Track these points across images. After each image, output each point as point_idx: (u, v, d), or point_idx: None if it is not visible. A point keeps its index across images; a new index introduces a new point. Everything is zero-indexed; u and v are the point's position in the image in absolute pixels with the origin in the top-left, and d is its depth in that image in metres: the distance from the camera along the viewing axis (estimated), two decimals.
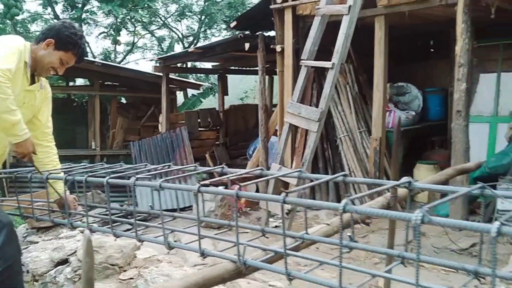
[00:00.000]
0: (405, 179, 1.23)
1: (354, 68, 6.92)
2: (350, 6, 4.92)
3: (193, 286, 1.12)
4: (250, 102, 15.84)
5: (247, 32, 7.39)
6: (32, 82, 2.57)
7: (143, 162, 3.16)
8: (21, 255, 2.61)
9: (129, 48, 18.50)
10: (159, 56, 10.57)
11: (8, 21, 14.63)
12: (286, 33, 6.44)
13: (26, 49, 2.44)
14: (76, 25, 2.67)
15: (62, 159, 2.94)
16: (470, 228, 0.61)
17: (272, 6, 6.46)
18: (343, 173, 1.47)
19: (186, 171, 2.22)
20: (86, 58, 2.96)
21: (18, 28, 14.93)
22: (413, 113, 7.11)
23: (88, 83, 12.59)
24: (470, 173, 4.93)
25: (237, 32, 7.60)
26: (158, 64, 9.95)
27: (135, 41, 18.52)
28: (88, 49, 15.63)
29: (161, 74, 9.71)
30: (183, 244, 1.72)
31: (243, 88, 19.51)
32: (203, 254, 1.42)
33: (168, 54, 11.59)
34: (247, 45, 7.07)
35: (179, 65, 10.58)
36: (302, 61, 5.40)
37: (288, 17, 6.39)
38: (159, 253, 2.76)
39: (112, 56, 17.46)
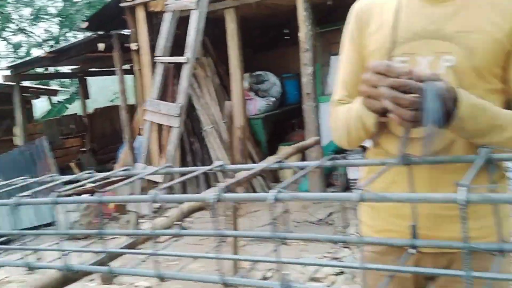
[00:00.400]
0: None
1: (214, 61, 7.05)
2: (198, 1, 5.01)
3: None
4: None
5: (101, 32, 7.13)
6: None
7: None
8: None
9: None
10: (9, 64, 9.78)
11: None
12: (140, 31, 6.36)
13: None
14: None
15: None
16: (322, 199, 0.67)
17: (122, 4, 6.31)
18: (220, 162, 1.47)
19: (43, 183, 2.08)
20: None
21: None
22: (273, 99, 7.45)
23: None
24: (325, 148, 5.34)
25: (89, 34, 7.31)
26: (9, 73, 9.19)
27: None
28: None
29: (13, 83, 9.00)
30: (44, 263, 1.64)
31: (113, 89, 18.79)
32: (31, 268, 1.38)
33: (19, 61, 10.77)
34: (101, 46, 6.84)
35: (38, 70, 9.89)
36: (156, 58, 5.39)
37: (140, 14, 6.31)
38: (14, 274, 2.62)
39: None
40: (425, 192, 0.94)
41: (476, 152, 0.75)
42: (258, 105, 7.20)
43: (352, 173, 4.71)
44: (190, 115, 6.98)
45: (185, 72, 5.10)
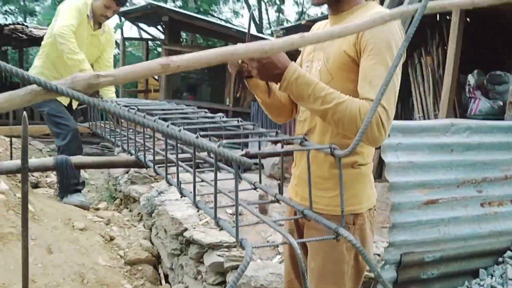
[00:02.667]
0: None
1: (444, 52, 7.03)
2: None
3: None
4: None
5: None
6: (96, 29, 3.77)
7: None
8: (81, 152, 3.88)
9: None
10: None
11: None
12: None
13: (87, 5, 3.63)
14: None
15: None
16: None
17: None
18: None
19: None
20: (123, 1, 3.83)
21: None
22: (501, 103, 6.99)
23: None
24: None
25: None
26: None
27: None
28: None
29: None
30: None
31: None
32: None
33: None
34: None
35: None
36: None
37: None
38: None
39: None
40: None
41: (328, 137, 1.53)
42: (480, 105, 6.90)
43: None
44: (405, 101, 7.26)
45: None
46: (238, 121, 2.17)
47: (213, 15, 21.32)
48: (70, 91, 1.07)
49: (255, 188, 1.92)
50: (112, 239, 3.44)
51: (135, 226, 3.85)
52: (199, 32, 11.94)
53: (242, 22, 23.00)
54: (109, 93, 3.85)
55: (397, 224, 2.58)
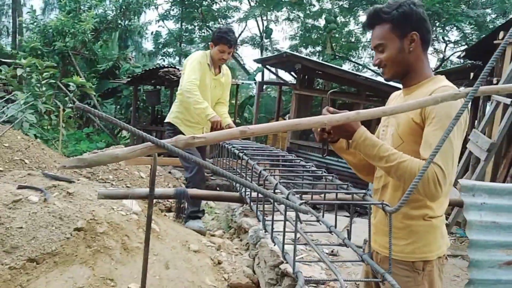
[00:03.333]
0: None
1: None
2: None
3: None
4: None
5: (476, 62, 7.75)
6: (217, 73, 4.39)
7: None
8: (204, 183, 4.48)
9: None
10: None
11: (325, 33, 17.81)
12: (504, 67, 6.71)
13: (207, 56, 4.28)
14: (224, 26, 4.46)
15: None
16: None
17: (496, 41, 6.82)
18: None
19: None
20: (236, 44, 4.47)
21: None
22: None
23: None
24: None
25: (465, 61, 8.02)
26: None
27: None
28: None
29: None
30: None
31: None
32: None
33: None
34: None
35: None
36: (493, 96, 5.82)
37: (509, 53, 6.66)
38: None
39: None
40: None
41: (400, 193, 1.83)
42: None
43: None
44: None
45: (508, 114, 5.39)
46: (321, 172, 2.56)
47: (350, 60, 21.80)
48: (173, 148, 1.57)
49: (330, 232, 2.27)
50: (219, 263, 3.93)
51: (242, 254, 4.31)
52: (329, 79, 12.43)
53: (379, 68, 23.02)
54: (226, 120, 4.40)
55: (475, 280, 2.67)
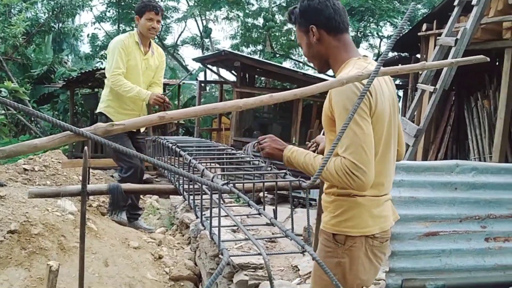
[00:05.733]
0: None
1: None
2: (456, 40, 5.52)
3: None
4: None
5: (403, 54, 8.14)
6: (147, 52, 4.15)
7: None
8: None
9: None
10: None
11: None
12: (428, 58, 7.11)
13: (133, 35, 4.07)
14: None
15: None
16: None
17: (420, 33, 7.21)
18: None
19: None
20: (162, 10, 4.21)
21: None
22: None
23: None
24: None
25: (392, 54, 8.41)
26: None
27: None
28: None
29: None
30: None
31: None
32: None
33: None
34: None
35: None
36: (418, 85, 6.15)
37: (431, 44, 7.06)
38: None
39: None
40: None
41: None
42: None
43: None
44: (461, 142, 7.31)
45: (431, 101, 5.72)
46: (257, 160, 2.66)
47: (291, 58, 22.17)
48: (93, 136, 1.61)
49: (259, 214, 2.37)
50: (160, 257, 3.96)
51: (183, 248, 4.36)
52: (269, 76, 12.65)
53: None
54: (157, 89, 4.29)
55: (397, 252, 2.86)
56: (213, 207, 2.13)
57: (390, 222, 2.05)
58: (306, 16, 1.94)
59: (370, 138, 1.77)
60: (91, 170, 6.59)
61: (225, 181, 1.90)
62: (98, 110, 4.21)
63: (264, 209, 2.28)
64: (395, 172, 2.49)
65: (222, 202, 1.99)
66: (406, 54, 8.06)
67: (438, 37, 6.19)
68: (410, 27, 7.85)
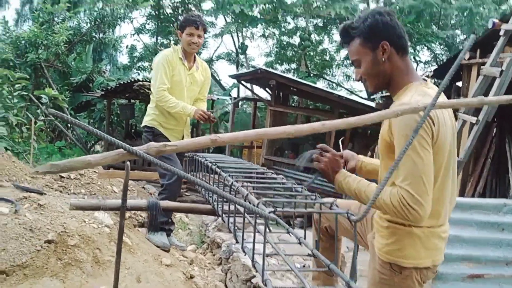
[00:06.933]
0: None
1: None
2: (501, 71, 5.39)
3: None
4: None
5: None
6: (191, 67, 4.11)
7: None
8: (179, 194, 4.38)
9: None
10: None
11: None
12: (470, 87, 6.96)
13: (177, 50, 4.04)
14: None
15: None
16: None
17: (462, 62, 7.08)
18: None
19: None
20: (204, 26, 4.10)
21: None
22: None
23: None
24: None
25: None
26: None
27: None
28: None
29: None
30: None
31: None
32: None
33: None
34: None
35: None
36: (460, 114, 6.02)
37: (474, 73, 6.91)
38: None
39: None
40: None
41: None
42: None
43: None
44: (501, 176, 7.09)
45: (473, 132, 5.58)
46: (291, 183, 2.62)
47: (324, 78, 22.14)
48: (145, 155, 1.61)
49: (299, 243, 2.33)
50: (192, 277, 3.93)
51: (214, 269, 4.32)
52: (304, 96, 12.62)
53: (352, 85, 23.48)
54: (202, 105, 4.28)
55: None
56: (244, 229, 2.10)
57: (442, 257, 1.97)
58: (377, 31, 1.86)
59: (429, 169, 1.71)
60: (122, 181, 6.67)
61: (272, 209, 1.86)
62: (143, 124, 4.22)
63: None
64: None
65: (268, 230, 1.94)
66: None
67: (481, 67, 6.08)
68: (451, 56, 7.71)
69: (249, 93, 16.59)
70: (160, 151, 1.65)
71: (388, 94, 2.08)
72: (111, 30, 15.42)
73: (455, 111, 7.69)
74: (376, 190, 1.68)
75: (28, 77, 11.17)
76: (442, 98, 1.92)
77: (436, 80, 8.14)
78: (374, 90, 2.00)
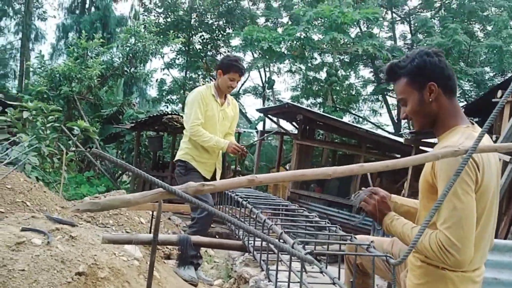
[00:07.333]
0: None
1: None
2: None
3: None
4: None
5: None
6: (223, 103, 4.22)
7: None
8: (209, 227, 4.33)
9: None
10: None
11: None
12: (502, 125, 6.84)
13: (210, 87, 4.16)
14: (233, 54, 4.22)
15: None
16: None
17: (494, 100, 6.99)
18: None
19: None
20: (245, 71, 4.30)
21: None
22: None
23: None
24: None
25: None
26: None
27: None
28: None
29: None
30: None
31: None
32: None
33: None
34: None
35: None
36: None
37: (507, 111, 6.80)
38: None
39: None
40: None
41: None
42: None
43: None
44: None
45: (507, 171, 5.46)
46: (325, 222, 2.60)
47: (351, 112, 22.12)
48: (184, 195, 1.62)
49: (333, 283, 2.28)
50: None
51: None
52: (330, 130, 12.61)
53: (379, 120, 23.38)
54: (231, 139, 4.33)
55: None
56: (277, 268, 2.07)
57: None
58: (425, 72, 1.87)
59: (470, 214, 1.69)
60: (150, 212, 6.71)
61: (308, 251, 1.84)
62: (176, 158, 4.28)
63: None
64: None
65: (304, 271, 1.92)
66: (478, 119, 7.82)
67: None
68: (483, 93, 7.64)
69: (275, 127, 16.67)
70: (198, 191, 1.66)
71: (416, 130, 2.08)
72: (142, 64, 15.83)
73: None
74: (416, 234, 1.65)
75: (61, 109, 11.52)
76: (488, 141, 1.89)
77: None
78: (419, 129, 1.99)
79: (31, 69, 15.58)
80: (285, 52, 17.48)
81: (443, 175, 1.72)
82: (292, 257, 2.09)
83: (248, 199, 3.04)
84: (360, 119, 22.51)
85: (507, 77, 9.50)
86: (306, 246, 2.08)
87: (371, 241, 2.03)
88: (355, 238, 2.16)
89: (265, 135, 13.28)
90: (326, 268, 2.20)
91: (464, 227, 1.67)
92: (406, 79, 1.92)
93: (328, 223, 2.52)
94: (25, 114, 9.69)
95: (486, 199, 1.76)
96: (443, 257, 1.67)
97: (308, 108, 12.74)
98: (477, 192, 1.71)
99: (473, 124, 1.91)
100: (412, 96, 1.91)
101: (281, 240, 2.14)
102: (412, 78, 1.90)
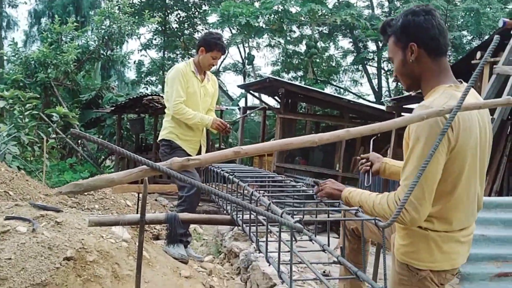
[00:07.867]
0: None
1: None
2: None
3: None
4: None
5: None
6: (203, 79, 4.16)
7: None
8: (197, 205, 4.31)
9: None
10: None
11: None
12: (482, 86, 6.89)
13: (188, 64, 4.09)
14: (214, 31, 4.14)
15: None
16: None
17: (474, 61, 7.01)
18: None
19: None
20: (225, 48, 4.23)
21: None
22: None
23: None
24: None
25: None
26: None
27: None
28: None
29: None
30: None
31: None
32: None
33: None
34: None
35: None
36: None
37: (485, 72, 6.83)
38: None
39: None
40: None
41: None
42: None
43: None
44: None
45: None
46: (312, 191, 2.58)
47: (332, 84, 22.13)
48: (169, 171, 1.58)
49: (323, 250, 2.28)
50: None
51: (233, 279, 4.28)
52: (312, 102, 12.60)
53: (360, 90, 23.45)
54: (212, 115, 4.27)
55: None
56: (267, 239, 2.06)
57: (463, 260, 1.92)
58: (408, 32, 1.83)
59: (431, 174, 1.69)
60: (135, 194, 6.67)
61: (298, 219, 1.82)
62: (160, 138, 4.21)
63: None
64: None
65: (294, 240, 1.91)
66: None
67: (494, 66, 6.01)
68: (462, 56, 7.66)
69: (257, 102, 16.60)
70: (183, 166, 1.62)
71: (398, 97, 2.09)
72: (118, 47, 15.52)
73: None
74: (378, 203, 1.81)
75: (38, 96, 11.29)
76: (475, 99, 1.87)
77: None
78: (406, 89, 1.99)
79: (5, 58, 15.19)
80: (264, 26, 17.32)
81: (413, 135, 1.73)
82: (282, 227, 2.08)
83: (234, 173, 3.02)
84: (342, 90, 22.54)
85: (484, 39, 9.56)
86: (294, 216, 2.07)
87: (359, 207, 2.02)
88: (344, 204, 2.15)
89: (248, 111, 13.22)
90: (316, 236, 2.20)
91: (423, 186, 1.68)
92: (393, 38, 1.90)
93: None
94: (2, 103, 9.49)
95: (463, 158, 1.74)
96: (401, 214, 1.68)
97: (290, 82, 12.67)
98: (451, 152, 1.70)
99: (460, 82, 1.88)
100: (396, 55, 1.90)
101: (269, 211, 2.12)
102: (397, 38, 1.88)
